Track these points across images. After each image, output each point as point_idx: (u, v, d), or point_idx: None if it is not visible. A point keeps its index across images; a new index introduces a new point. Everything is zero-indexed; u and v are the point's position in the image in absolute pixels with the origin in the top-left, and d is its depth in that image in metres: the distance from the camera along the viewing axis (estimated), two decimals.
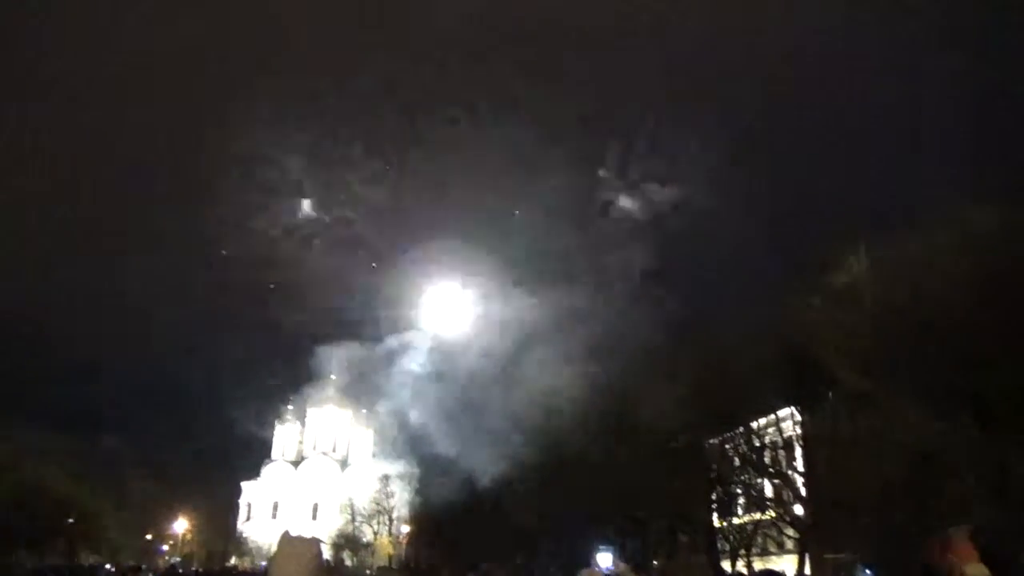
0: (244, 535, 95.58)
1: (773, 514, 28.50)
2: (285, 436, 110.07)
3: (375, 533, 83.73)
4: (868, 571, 25.44)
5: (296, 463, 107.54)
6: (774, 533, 31.00)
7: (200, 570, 69.91)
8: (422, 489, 71.69)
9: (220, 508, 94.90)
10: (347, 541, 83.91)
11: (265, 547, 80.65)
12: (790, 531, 28.08)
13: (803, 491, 26.17)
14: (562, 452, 34.37)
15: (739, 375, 25.01)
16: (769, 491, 29.45)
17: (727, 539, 31.73)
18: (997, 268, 16.00)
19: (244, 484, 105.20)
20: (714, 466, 29.51)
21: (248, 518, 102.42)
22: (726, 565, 31.05)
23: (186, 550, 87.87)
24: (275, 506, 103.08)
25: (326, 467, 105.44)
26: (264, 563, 69.94)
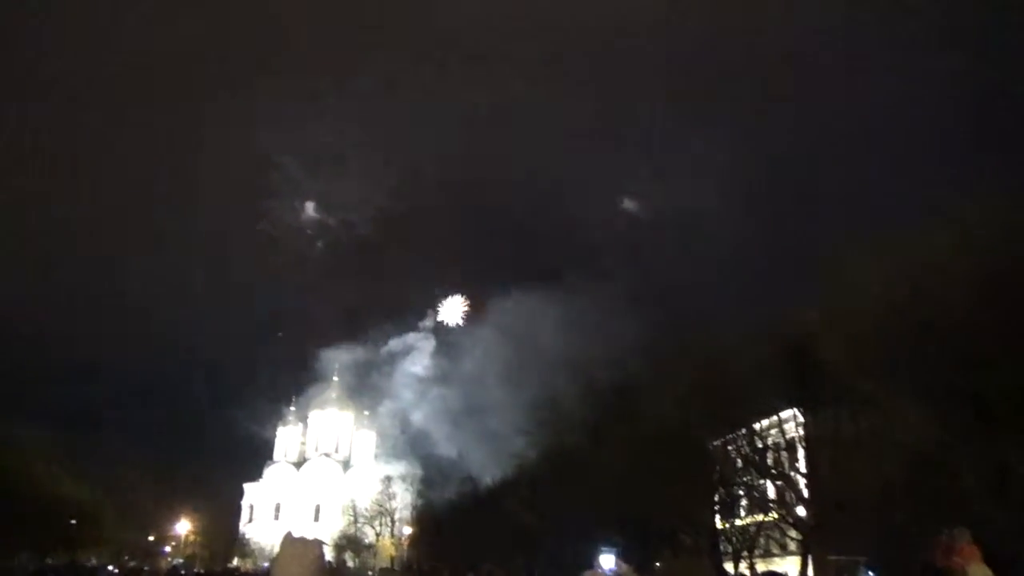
0: (246, 536, 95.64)
1: (776, 515, 28.45)
2: (287, 437, 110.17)
3: (377, 534, 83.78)
4: (871, 572, 25.41)
5: (298, 464, 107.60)
6: (777, 535, 30.95)
7: (202, 571, 69.93)
8: (424, 490, 71.79)
9: (222, 509, 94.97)
10: (349, 542, 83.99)
11: (267, 548, 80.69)
12: (793, 533, 28.04)
13: (806, 492, 26.13)
14: (564, 453, 34.37)
15: (741, 376, 24.99)
16: (772, 492, 29.40)
17: (730, 541, 31.68)
18: (997, 268, 15.98)
19: (246, 486, 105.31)
20: (717, 467, 29.47)
21: (250, 519, 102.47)
22: (729, 567, 31.01)
23: (188, 551, 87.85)
24: (277, 507, 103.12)
25: (328, 469, 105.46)
26: (266, 564, 69.97)
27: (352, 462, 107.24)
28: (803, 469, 27.00)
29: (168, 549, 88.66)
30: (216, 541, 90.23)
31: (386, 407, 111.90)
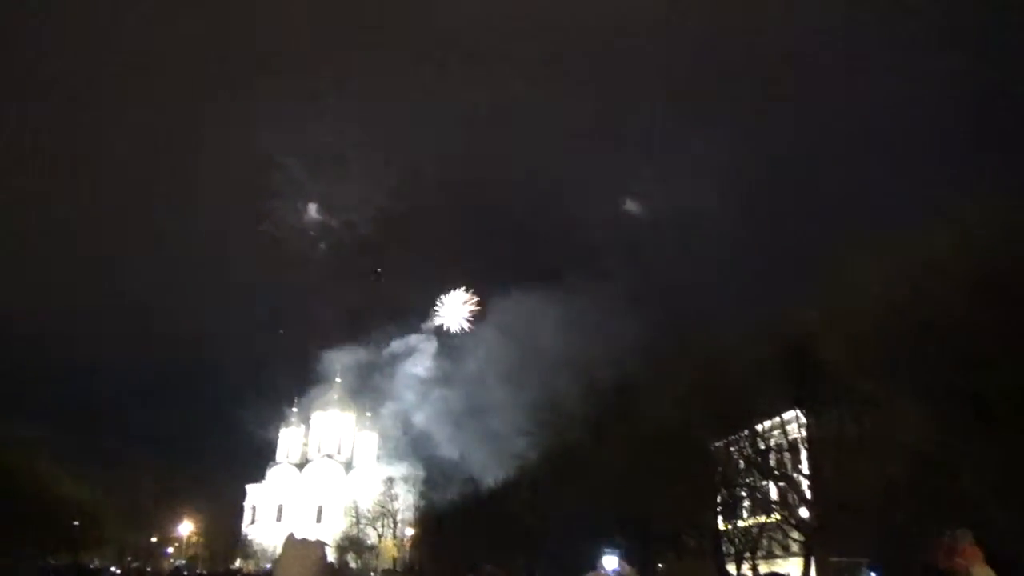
0: (249, 538, 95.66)
1: (778, 517, 28.42)
2: (290, 439, 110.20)
3: (379, 536, 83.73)
4: (873, 574, 25.38)
5: (300, 466, 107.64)
6: (779, 536, 30.91)
7: (204, 572, 69.97)
8: (426, 491, 71.72)
9: (225, 510, 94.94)
10: (351, 543, 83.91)
11: (270, 550, 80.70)
12: (795, 534, 28.00)
13: (808, 494, 26.10)
14: (565, 454, 34.35)
15: (743, 378, 24.96)
16: (774, 494, 29.35)
17: (732, 542, 31.65)
18: (997, 268, 15.97)
19: (249, 487, 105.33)
20: (719, 469, 29.43)
21: (253, 521, 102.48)
22: (731, 568, 30.97)
23: (191, 552, 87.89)
24: (279, 509, 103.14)
25: (330, 470, 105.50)
26: (269, 565, 69.93)
27: (354, 463, 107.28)
28: (805, 470, 26.97)
29: (171, 550, 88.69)
30: (218, 542, 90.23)
31: (388, 408, 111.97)
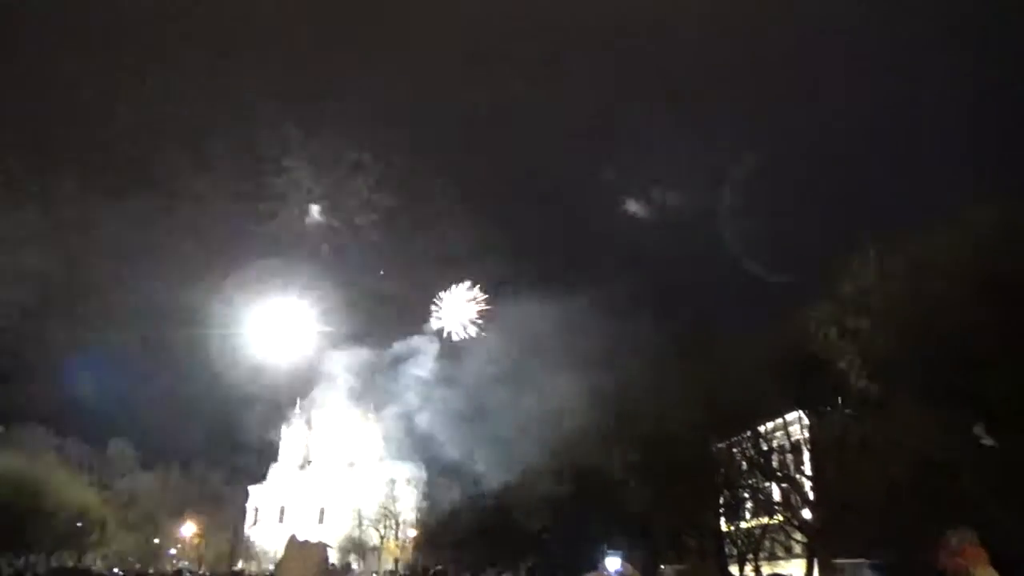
0: (251, 539, 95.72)
1: (781, 518, 28.39)
2: (292, 439, 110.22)
3: (382, 537, 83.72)
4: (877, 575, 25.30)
5: (303, 467, 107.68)
6: (782, 537, 30.87)
7: (207, 574, 70.09)
8: (429, 493, 71.76)
9: (227, 512, 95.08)
10: (354, 545, 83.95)
11: (272, 551, 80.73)
12: (798, 535, 27.96)
13: (811, 495, 26.06)
14: (568, 456, 34.34)
15: (746, 379, 24.93)
16: (777, 495, 29.32)
17: (735, 544, 31.60)
18: (999, 268, 15.95)
19: (251, 488, 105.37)
20: (721, 470, 29.41)
21: (255, 522, 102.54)
22: (734, 570, 30.93)
23: (194, 554, 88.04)
24: (282, 510, 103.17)
25: (333, 471, 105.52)
26: (271, 567, 69.99)
27: (357, 464, 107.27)
28: (808, 471, 26.93)
29: (173, 551, 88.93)
30: (221, 543, 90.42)
31: (391, 409, 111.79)
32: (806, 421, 26.82)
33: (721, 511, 31.51)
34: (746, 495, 30.93)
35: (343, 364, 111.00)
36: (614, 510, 32.61)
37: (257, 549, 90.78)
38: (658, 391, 27.81)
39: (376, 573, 77.19)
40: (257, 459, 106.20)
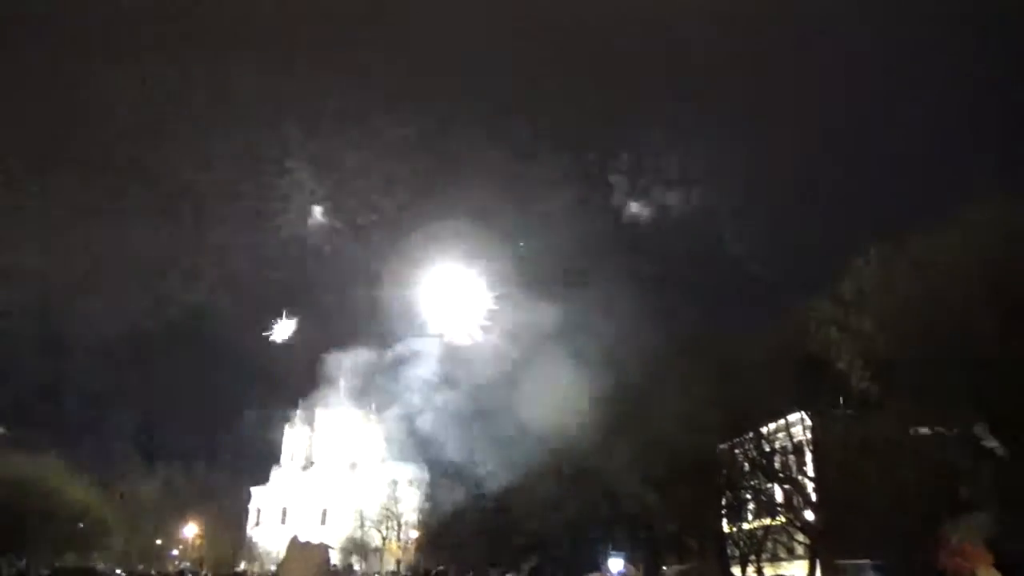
0: (253, 540, 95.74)
1: (783, 519, 28.36)
2: (294, 441, 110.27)
3: (384, 538, 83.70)
4: None
5: (305, 468, 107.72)
6: (784, 538, 30.85)
7: (209, 575, 70.10)
8: (431, 494, 71.72)
9: (230, 513, 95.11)
10: (356, 546, 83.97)
11: (274, 552, 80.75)
12: (800, 536, 27.94)
13: (813, 496, 26.03)
14: (570, 457, 34.31)
15: (749, 380, 24.91)
16: (779, 496, 29.31)
17: (737, 545, 31.58)
18: (1004, 270, 15.93)
19: (253, 489, 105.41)
20: (724, 471, 29.39)
21: (257, 523, 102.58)
22: (736, 571, 30.91)
23: (196, 555, 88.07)
24: (284, 511, 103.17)
25: (335, 472, 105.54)
26: (273, 568, 70.07)
27: (359, 466, 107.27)
28: (810, 472, 26.89)
29: (175, 552, 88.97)
30: (223, 545, 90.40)
31: (393, 410, 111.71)
32: (808, 422, 26.79)
33: (723, 512, 31.48)
34: (748, 496, 30.92)
35: (345, 365, 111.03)
36: (616, 511, 32.60)
37: (259, 550, 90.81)
38: (659, 392, 27.78)
39: (378, 574, 77.24)
40: (259, 460, 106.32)
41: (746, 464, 28.76)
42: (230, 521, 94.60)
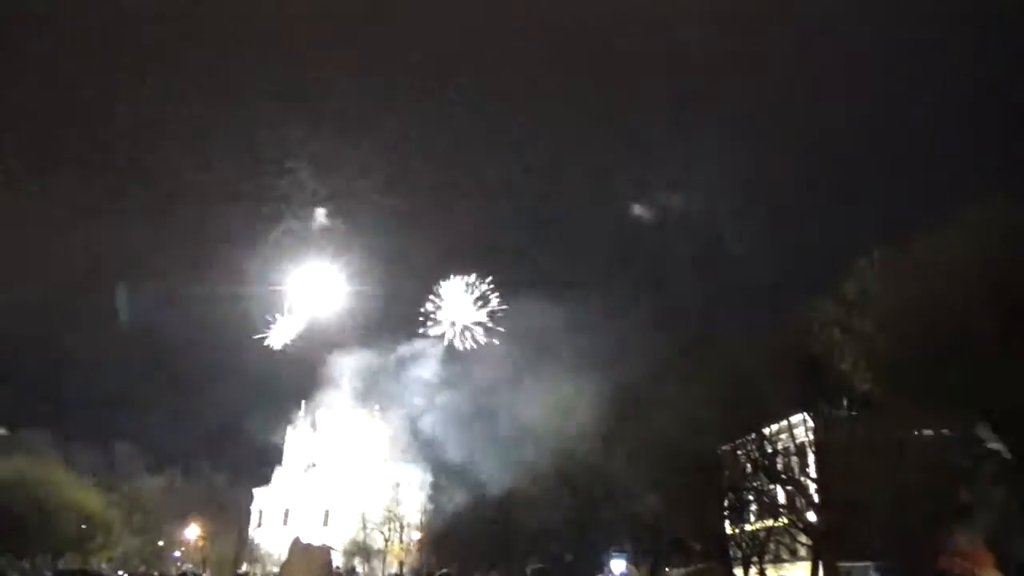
0: (255, 541, 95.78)
1: (786, 521, 28.32)
2: (297, 442, 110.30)
3: (387, 540, 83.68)
4: None
5: (307, 469, 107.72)
6: (787, 540, 30.79)
7: None
8: (434, 495, 71.73)
9: (232, 515, 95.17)
10: (358, 548, 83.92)
11: (276, 554, 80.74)
12: (803, 538, 27.88)
13: (816, 497, 25.99)
14: (572, 458, 34.31)
15: (751, 381, 24.89)
16: (782, 497, 29.26)
17: (739, 546, 31.54)
18: (1005, 270, 15.91)
19: (256, 490, 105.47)
20: (726, 473, 29.36)
21: (259, 525, 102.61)
22: (739, 572, 30.88)
23: (198, 556, 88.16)
24: (286, 513, 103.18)
25: (338, 473, 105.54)
26: (275, 570, 70.04)
27: (361, 467, 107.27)
28: (813, 474, 26.85)
29: (177, 554, 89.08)
30: (225, 546, 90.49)
31: (395, 412, 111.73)
32: (811, 423, 26.75)
33: (726, 513, 31.44)
34: (751, 497, 30.87)
35: (348, 366, 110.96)
36: (618, 512, 32.60)
37: (261, 552, 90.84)
38: (661, 393, 27.78)
39: None
40: (261, 461, 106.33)
41: (748, 465, 28.73)
42: (232, 523, 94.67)
